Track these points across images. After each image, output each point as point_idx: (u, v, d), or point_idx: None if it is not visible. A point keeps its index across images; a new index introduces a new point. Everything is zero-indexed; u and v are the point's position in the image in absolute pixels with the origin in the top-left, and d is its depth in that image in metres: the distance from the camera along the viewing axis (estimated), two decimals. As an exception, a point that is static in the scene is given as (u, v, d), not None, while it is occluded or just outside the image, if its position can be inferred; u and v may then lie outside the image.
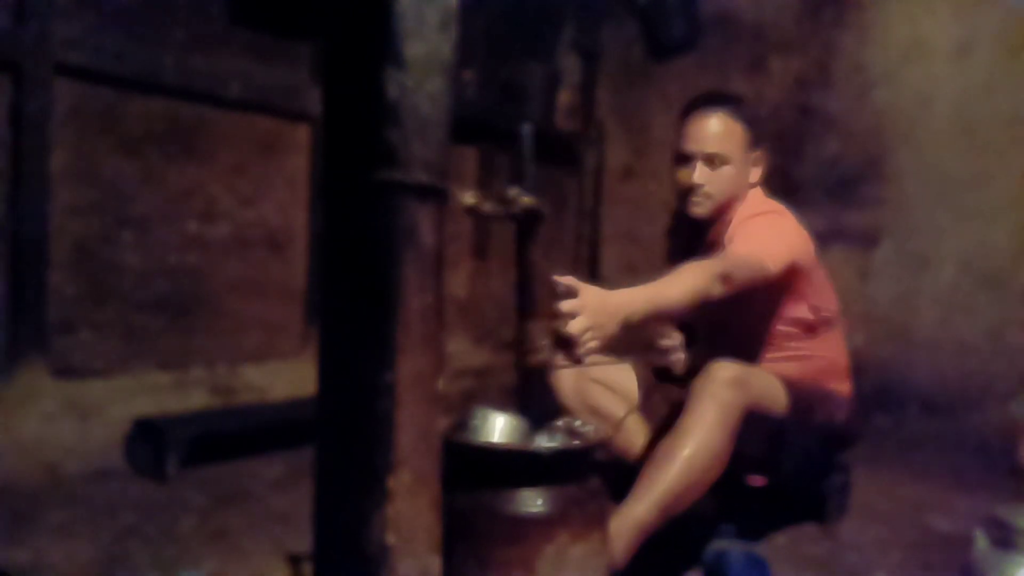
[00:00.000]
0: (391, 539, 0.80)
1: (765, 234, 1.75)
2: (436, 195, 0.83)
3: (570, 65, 3.94)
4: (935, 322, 2.94)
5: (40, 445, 2.14)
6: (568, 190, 3.97)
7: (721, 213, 1.90)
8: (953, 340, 2.89)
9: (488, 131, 3.39)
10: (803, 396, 1.78)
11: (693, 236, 1.97)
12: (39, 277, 2.22)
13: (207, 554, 1.68)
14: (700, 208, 1.87)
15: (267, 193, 2.81)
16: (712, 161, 1.84)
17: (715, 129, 1.84)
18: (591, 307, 1.32)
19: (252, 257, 2.78)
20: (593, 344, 1.32)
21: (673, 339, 2.01)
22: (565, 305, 1.31)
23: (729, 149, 1.84)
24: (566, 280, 1.35)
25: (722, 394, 1.58)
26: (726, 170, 1.85)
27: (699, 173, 1.84)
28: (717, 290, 1.54)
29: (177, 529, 1.82)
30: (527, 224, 1.30)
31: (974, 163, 2.89)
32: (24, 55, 2.15)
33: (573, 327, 1.29)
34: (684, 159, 1.88)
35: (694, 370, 1.73)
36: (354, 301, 0.82)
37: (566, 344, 1.31)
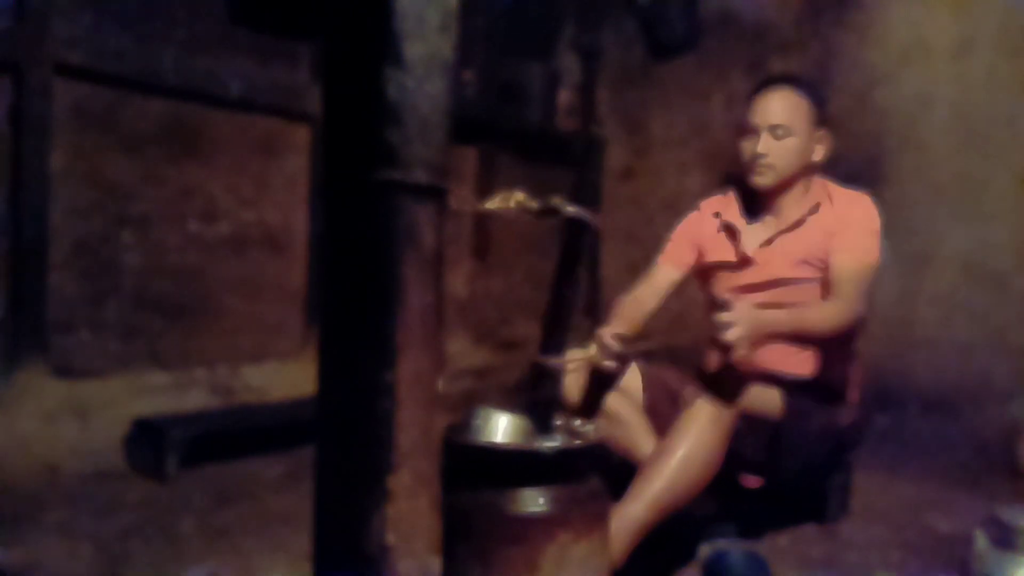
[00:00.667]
0: (391, 539, 0.80)
1: (871, 242, 1.87)
2: (436, 195, 0.83)
3: (570, 65, 3.94)
4: (935, 322, 2.94)
5: (40, 445, 2.14)
6: (568, 190, 3.96)
7: (784, 186, 1.94)
8: (953, 340, 2.89)
9: (488, 131, 3.40)
10: (801, 398, 1.79)
11: (748, 207, 2.02)
12: (39, 277, 2.22)
13: (207, 554, 1.68)
14: (763, 178, 1.92)
15: (267, 193, 2.81)
16: (777, 132, 1.89)
17: (781, 102, 1.91)
18: (745, 320, 1.52)
19: (252, 257, 2.78)
20: (744, 351, 1.52)
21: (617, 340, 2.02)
22: (725, 316, 1.51)
23: (794, 122, 1.90)
24: (726, 295, 1.62)
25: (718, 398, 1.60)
26: (790, 142, 1.90)
27: (763, 143, 1.90)
28: (853, 320, 1.78)
29: (177, 529, 1.82)
30: (574, 232, 1.30)
31: (974, 163, 2.89)
32: (24, 55, 2.15)
33: (731, 335, 1.50)
34: (749, 131, 1.93)
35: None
36: (354, 301, 0.82)
37: (723, 349, 1.52)
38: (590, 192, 4.13)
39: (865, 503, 2.12)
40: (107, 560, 1.64)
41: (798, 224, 1.93)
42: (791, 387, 1.81)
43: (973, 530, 1.51)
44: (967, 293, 2.88)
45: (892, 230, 3.14)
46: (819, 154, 1.96)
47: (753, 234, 1.98)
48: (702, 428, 1.58)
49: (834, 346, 1.88)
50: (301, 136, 2.89)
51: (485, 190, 3.44)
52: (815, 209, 1.92)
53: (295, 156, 2.88)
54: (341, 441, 0.83)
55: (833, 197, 1.95)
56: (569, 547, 1.16)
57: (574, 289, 1.32)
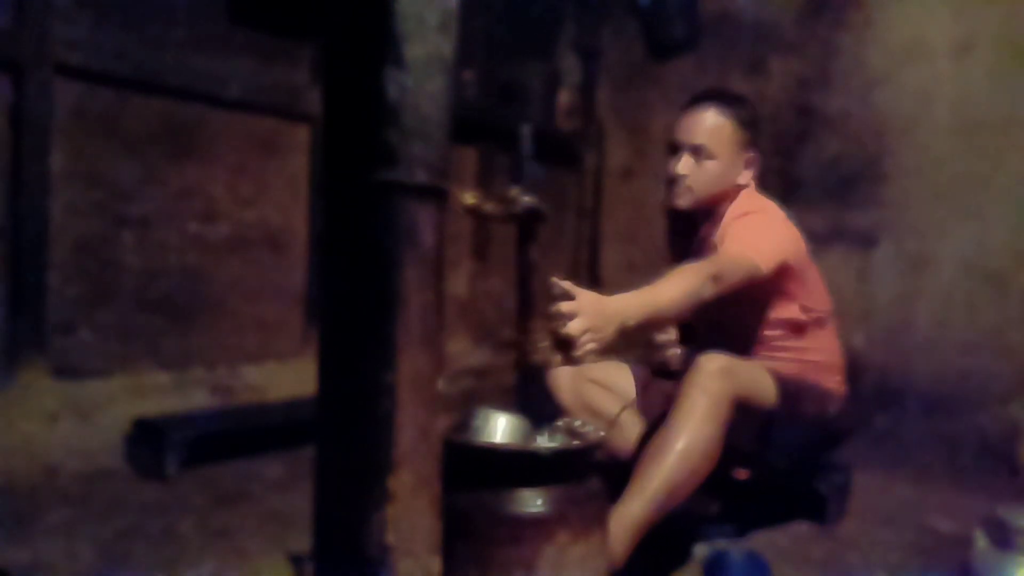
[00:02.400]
0: (391, 539, 0.80)
1: (755, 233, 1.74)
2: (436, 195, 0.83)
3: (570, 65, 3.94)
4: (935, 322, 2.94)
5: (40, 445, 2.14)
6: (568, 190, 3.97)
7: (706, 209, 1.90)
8: (953, 340, 2.89)
9: (488, 131, 3.39)
10: (792, 389, 1.77)
11: (688, 232, 1.97)
12: (39, 277, 2.22)
13: (207, 554, 1.68)
14: (680, 200, 1.88)
15: (267, 193, 2.81)
16: (698, 153, 1.84)
17: (705, 123, 1.85)
18: (589, 310, 1.34)
19: (252, 257, 2.78)
20: (591, 346, 1.34)
21: (670, 334, 2.02)
22: (563, 307, 1.33)
23: (716, 144, 1.84)
24: (563, 283, 1.37)
25: (711, 385, 1.58)
26: (710, 165, 1.84)
27: (683, 164, 1.85)
28: (709, 292, 1.55)
29: (177, 529, 1.82)
30: (528, 224, 1.30)
31: (974, 163, 2.89)
32: (24, 55, 2.15)
33: (571, 329, 1.32)
34: (673, 149, 1.89)
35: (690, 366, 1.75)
36: (354, 301, 0.82)
37: (565, 346, 1.33)
38: (590, 192, 4.16)
39: (865, 503, 2.12)
40: (107, 560, 1.64)
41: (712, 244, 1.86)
42: (783, 376, 1.79)
43: (973, 530, 1.51)
44: (967, 293, 2.88)
45: (892, 230, 3.15)
46: (745, 177, 1.89)
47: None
48: (699, 420, 1.56)
49: (807, 336, 1.86)
50: (301, 136, 2.89)
51: (485, 190, 3.44)
52: (717, 222, 1.87)
53: (295, 156, 2.88)
54: (341, 441, 0.83)
55: (734, 207, 1.87)
56: (568, 547, 1.16)
57: (532, 272, 1.33)
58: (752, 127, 1.90)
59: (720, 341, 1.84)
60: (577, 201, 3.99)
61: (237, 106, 2.66)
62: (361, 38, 0.80)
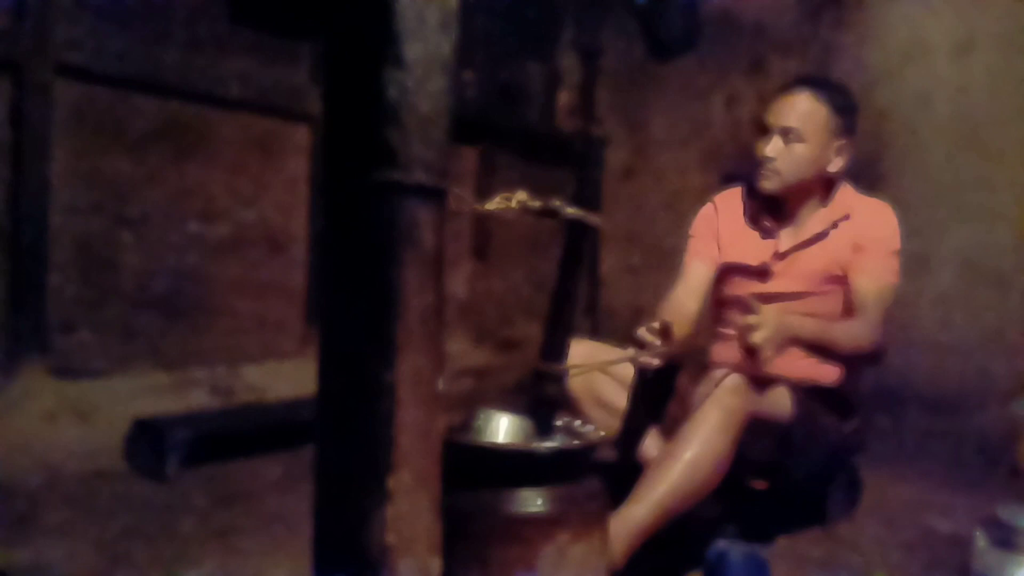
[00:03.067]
0: (391, 539, 0.80)
1: (894, 261, 1.88)
2: (436, 195, 0.83)
3: (570, 65, 3.94)
4: (935, 322, 2.94)
5: (40, 445, 2.14)
6: (568, 190, 3.97)
7: (792, 195, 1.90)
8: (953, 340, 2.89)
9: (488, 131, 3.39)
10: (810, 402, 1.79)
11: (768, 211, 1.96)
12: (39, 277, 2.22)
13: (207, 554, 1.68)
14: (768, 183, 1.87)
15: (267, 193, 2.81)
16: (788, 136, 1.83)
17: (798, 106, 1.84)
18: (772, 324, 1.54)
19: (252, 257, 2.78)
20: (769, 354, 1.54)
21: (656, 338, 1.98)
22: (751, 319, 1.53)
23: (806, 128, 1.83)
24: (752, 300, 1.62)
25: (726, 400, 1.59)
26: (799, 148, 1.83)
27: (772, 146, 1.84)
28: (866, 348, 1.80)
29: (177, 529, 1.82)
30: (574, 241, 1.27)
31: (974, 163, 2.89)
32: (24, 55, 2.15)
33: (757, 338, 1.52)
34: (763, 131, 1.88)
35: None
36: (354, 301, 0.82)
37: (749, 351, 1.54)
38: (590, 192, 4.16)
39: (865, 503, 2.12)
40: (107, 560, 1.64)
41: (819, 237, 1.89)
42: (799, 391, 1.80)
43: (973, 530, 1.51)
44: (967, 293, 2.88)
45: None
46: (836, 165, 1.89)
47: (775, 243, 1.94)
48: (710, 432, 1.56)
49: (853, 358, 1.88)
50: (301, 136, 2.89)
51: (485, 190, 3.44)
52: (836, 224, 1.89)
53: (295, 156, 2.88)
54: (341, 441, 0.83)
55: (855, 210, 1.90)
56: (567, 547, 1.16)
57: (575, 290, 1.31)
58: (847, 115, 1.89)
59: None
60: (577, 201, 3.99)
61: (237, 106, 2.65)
62: (361, 38, 0.80)
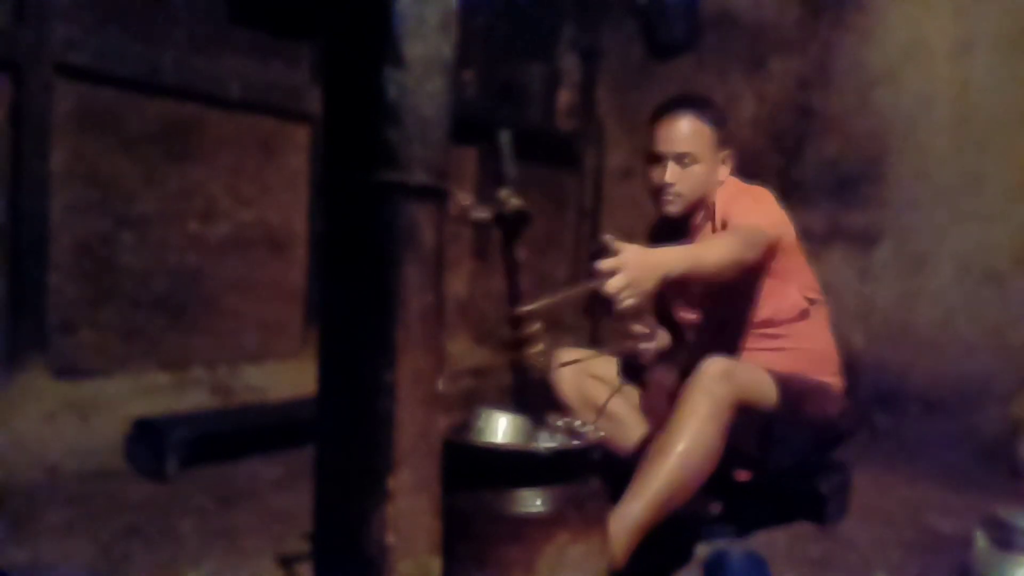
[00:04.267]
0: (391, 539, 0.80)
1: (756, 208, 1.84)
2: (436, 195, 0.83)
3: (570, 65, 3.94)
4: (935, 322, 2.94)
5: (40, 445, 2.14)
6: (568, 190, 3.97)
7: (694, 210, 1.96)
8: (953, 340, 2.89)
9: (488, 131, 3.38)
10: (793, 390, 1.78)
11: (673, 236, 1.99)
12: (39, 277, 2.22)
13: (207, 554, 1.68)
14: (672, 206, 1.93)
15: (267, 193, 2.81)
16: (682, 160, 1.90)
17: (684, 130, 1.91)
18: (631, 263, 1.35)
19: (252, 257, 2.78)
20: (630, 301, 1.35)
21: (646, 327, 2.04)
22: (605, 263, 1.33)
23: (698, 148, 1.90)
24: (608, 239, 1.38)
25: (713, 388, 1.60)
26: (696, 169, 1.91)
27: (670, 172, 1.90)
28: (749, 256, 1.66)
29: (177, 529, 1.82)
30: (514, 225, 1.31)
31: (974, 163, 2.89)
32: (24, 55, 2.15)
33: (612, 285, 1.32)
34: (655, 159, 1.94)
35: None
36: (354, 301, 0.82)
37: (604, 302, 1.34)
38: (590, 192, 4.16)
39: (865, 503, 2.12)
40: (107, 560, 1.64)
41: (701, 234, 1.94)
42: (784, 380, 1.79)
43: (973, 530, 1.51)
44: (967, 293, 2.88)
45: (892, 230, 3.14)
46: (724, 173, 1.97)
47: None
48: (700, 422, 1.57)
49: (805, 321, 1.91)
50: (301, 136, 2.89)
51: (485, 190, 3.44)
52: (710, 212, 1.94)
53: (295, 156, 2.88)
54: (341, 441, 0.83)
55: (724, 191, 1.95)
56: (567, 547, 1.16)
57: (519, 277, 1.33)
58: (724, 126, 1.98)
59: (722, 330, 1.87)
60: (577, 201, 3.99)
61: (237, 106, 2.65)
62: (361, 38, 0.80)
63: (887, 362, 3.01)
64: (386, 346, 0.80)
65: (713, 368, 1.63)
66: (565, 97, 3.90)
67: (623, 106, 3.89)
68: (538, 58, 3.77)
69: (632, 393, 1.97)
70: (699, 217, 1.98)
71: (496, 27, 3.56)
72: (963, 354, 2.87)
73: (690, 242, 1.95)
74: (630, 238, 1.44)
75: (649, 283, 1.38)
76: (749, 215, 1.81)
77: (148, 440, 2.23)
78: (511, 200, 1.28)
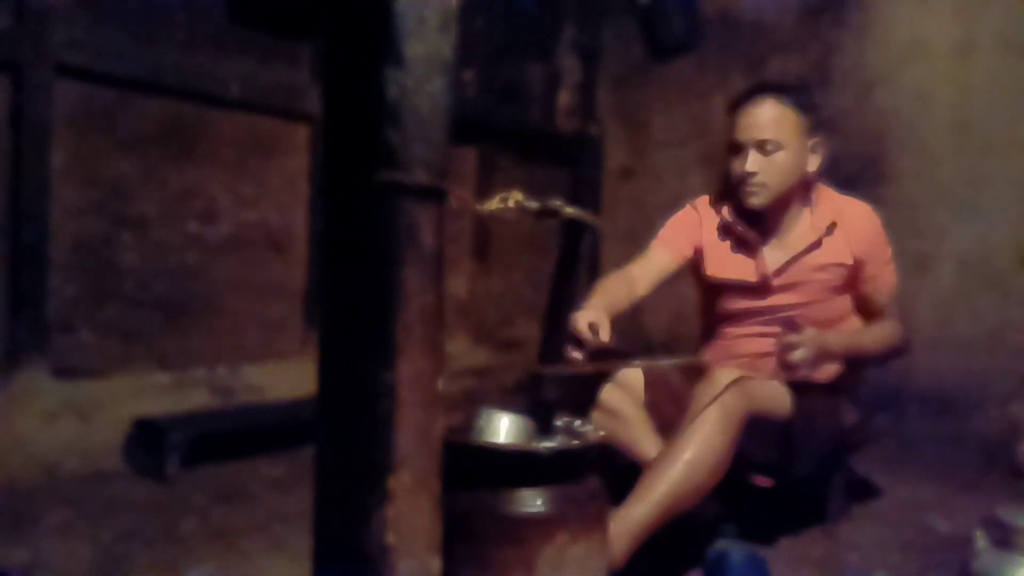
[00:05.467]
0: (391, 539, 0.80)
1: (889, 253, 1.96)
2: (436, 195, 0.83)
3: (570, 65, 3.93)
4: (935, 322, 2.94)
5: (40, 445, 2.14)
6: (568, 190, 3.97)
7: (782, 202, 1.86)
8: (953, 340, 2.89)
9: (488, 131, 3.39)
10: (811, 399, 1.79)
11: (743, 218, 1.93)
12: (39, 277, 2.22)
13: (207, 554, 1.68)
14: (756, 198, 1.82)
15: (267, 193, 2.81)
16: (764, 148, 1.79)
17: (765, 115, 1.79)
18: (812, 343, 1.66)
19: (252, 257, 2.78)
20: (807, 371, 1.67)
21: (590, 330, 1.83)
22: (793, 337, 1.65)
23: (782, 135, 1.78)
24: (793, 321, 1.73)
25: (725, 399, 1.60)
26: (780, 156, 1.79)
27: (751, 161, 1.79)
28: (904, 350, 1.95)
29: (177, 529, 1.82)
30: (577, 233, 1.30)
31: (974, 163, 2.89)
32: (24, 55, 2.15)
33: (797, 355, 1.64)
34: (735, 149, 1.83)
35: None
36: (354, 301, 0.82)
37: (788, 368, 1.67)
38: (590, 192, 4.16)
39: (865, 503, 2.12)
40: (107, 560, 1.64)
41: (813, 247, 1.87)
42: (799, 388, 1.80)
43: (973, 530, 1.51)
44: (967, 293, 2.88)
45: (892, 230, 3.14)
46: (814, 164, 1.85)
47: (770, 256, 1.90)
48: (710, 432, 1.57)
49: (876, 357, 1.96)
50: (301, 136, 2.89)
51: (485, 190, 3.44)
52: (829, 231, 1.86)
53: (295, 156, 2.88)
54: (341, 441, 0.83)
55: (842, 214, 1.88)
56: (567, 548, 1.16)
57: (573, 290, 1.31)
58: (814, 111, 1.87)
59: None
60: (577, 201, 3.99)
61: (237, 106, 2.66)
62: (361, 38, 0.80)
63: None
64: (386, 346, 0.80)
65: (725, 379, 1.63)
66: (565, 97, 3.90)
67: (623, 106, 3.89)
68: (538, 58, 3.77)
69: (636, 390, 1.96)
70: (788, 216, 1.88)
71: (496, 27, 3.56)
72: (963, 354, 2.86)
73: (762, 241, 1.90)
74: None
75: (820, 360, 1.70)
76: (892, 277, 1.95)
77: (148, 440, 2.23)
78: (566, 209, 1.26)
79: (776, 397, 1.75)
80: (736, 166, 1.84)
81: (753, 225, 1.92)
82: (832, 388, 1.89)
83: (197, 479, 2.16)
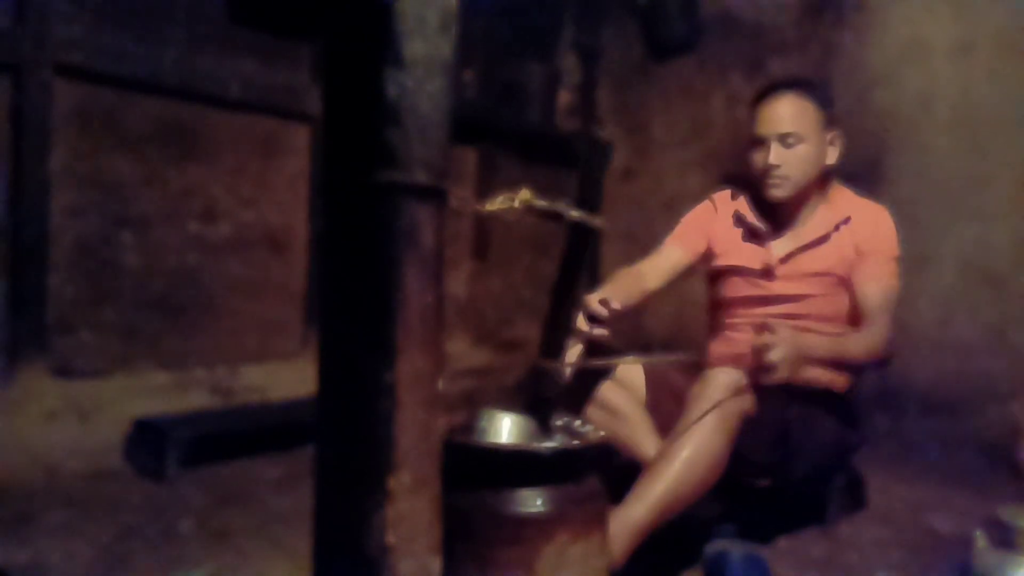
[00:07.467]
0: (391, 539, 0.80)
1: (895, 284, 1.90)
2: (436, 196, 0.83)
3: (570, 65, 3.94)
4: (935, 322, 2.94)
5: (40, 445, 2.14)
6: (568, 190, 3.97)
7: (801, 195, 1.90)
8: (953, 340, 2.89)
9: (488, 131, 3.39)
10: (808, 401, 1.79)
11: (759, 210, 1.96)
12: (39, 277, 2.22)
13: (207, 554, 1.68)
14: (779, 190, 1.87)
15: (267, 193, 2.81)
16: (786, 141, 1.84)
17: (787, 109, 1.85)
18: (787, 344, 1.56)
19: (252, 257, 2.78)
20: (784, 373, 1.55)
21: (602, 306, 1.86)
22: (766, 338, 1.56)
23: (803, 128, 1.84)
24: (768, 321, 1.65)
25: (722, 399, 1.59)
26: (801, 149, 1.85)
27: (774, 154, 1.84)
28: (882, 355, 1.82)
29: (177, 529, 1.82)
30: (581, 236, 1.30)
31: (974, 163, 2.89)
32: (24, 55, 2.15)
33: (772, 356, 1.53)
34: (758, 143, 1.88)
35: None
36: (354, 301, 0.82)
37: (764, 370, 1.57)
38: (593, 193, 4.14)
39: (865, 503, 2.11)
40: (107, 560, 1.64)
41: (822, 240, 1.90)
42: (798, 390, 1.80)
43: (973, 530, 1.51)
44: (967, 293, 2.88)
45: (892, 230, 3.10)
46: (832, 157, 1.91)
47: (777, 245, 1.95)
48: (707, 431, 1.57)
49: (861, 364, 1.90)
50: (301, 136, 2.89)
51: (485, 190, 3.44)
52: (838, 227, 1.90)
53: (295, 156, 2.88)
54: (341, 441, 0.83)
55: (856, 213, 1.92)
56: (567, 547, 1.16)
57: (575, 291, 1.32)
58: (830, 106, 1.92)
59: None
60: (578, 202, 3.99)
61: (237, 106, 2.66)
62: (361, 38, 0.80)
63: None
64: (386, 346, 0.80)
65: (722, 379, 1.64)
66: (565, 97, 3.90)
67: (623, 106, 3.89)
68: (538, 58, 3.77)
69: (637, 388, 1.96)
70: (804, 209, 1.92)
71: (496, 27, 3.56)
72: (963, 354, 2.86)
73: (774, 232, 1.92)
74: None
75: (797, 362, 1.58)
76: (891, 279, 1.86)
77: (148, 440, 2.23)
78: (571, 212, 1.27)
79: (774, 397, 1.75)
80: (759, 159, 1.88)
81: (769, 217, 1.96)
82: (831, 389, 1.89)
83: (197, 479, 2.16)
